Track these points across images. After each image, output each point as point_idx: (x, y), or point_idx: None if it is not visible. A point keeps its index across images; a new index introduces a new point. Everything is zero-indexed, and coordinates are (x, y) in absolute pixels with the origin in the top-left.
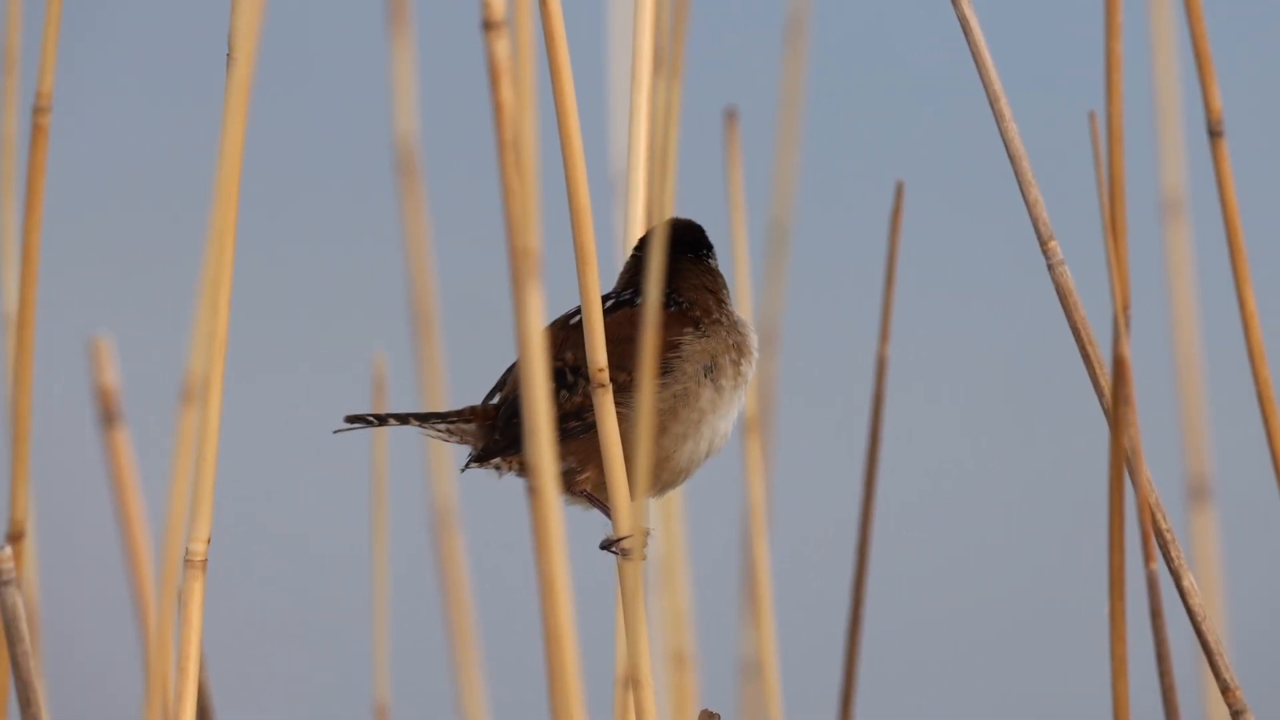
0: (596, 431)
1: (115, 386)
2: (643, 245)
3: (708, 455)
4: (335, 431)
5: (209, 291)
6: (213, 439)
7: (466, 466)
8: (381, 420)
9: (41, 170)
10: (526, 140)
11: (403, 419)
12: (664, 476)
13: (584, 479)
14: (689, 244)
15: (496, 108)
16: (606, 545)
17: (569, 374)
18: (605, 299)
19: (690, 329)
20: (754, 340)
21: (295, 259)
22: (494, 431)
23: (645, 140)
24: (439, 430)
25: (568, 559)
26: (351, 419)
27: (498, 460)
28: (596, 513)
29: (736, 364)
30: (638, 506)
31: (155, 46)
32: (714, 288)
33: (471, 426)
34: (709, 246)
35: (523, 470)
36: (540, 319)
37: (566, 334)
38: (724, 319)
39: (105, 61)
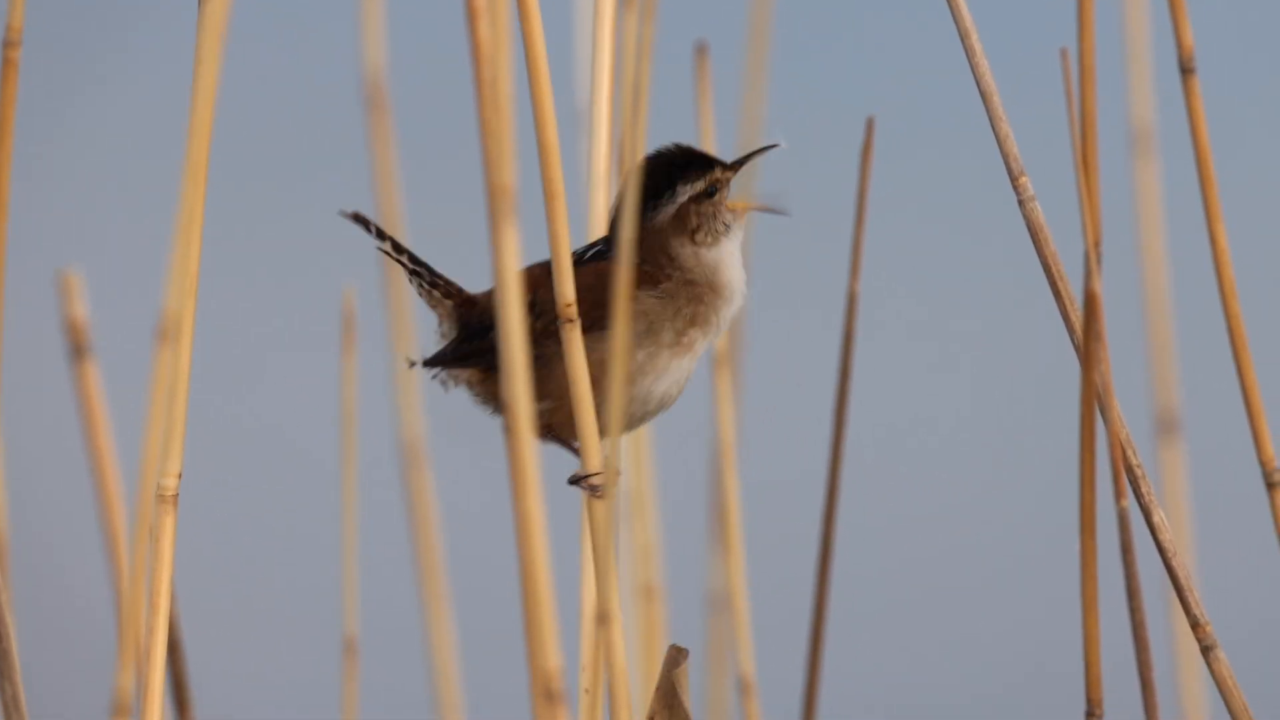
0: (552, 369)
1: (85, 320)
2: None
3: (644, 415)
4: (340, 214)
5: (182, 230)
6: (184, 375)
7: (420, 364)
8: (381, 235)
9: (11, 104)
10: (502, 78)
11: (400, 249)
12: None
13: (544, 420)
14: (660, 180)
15: (474, 46)
16: (575, 480)
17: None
18: (590, 247)
19: (647, 287)
20: (719, 306)
21: (265, 194)
22: (455, 333)
23: (609, 75)
24: (420, 284)
25: (543, 497)
26: (358, 216)
27: (443, 375)
28: (565, 449)
29: (680, 332)
30: (611, 445)
31: None
32: (665, 244)
33: (448, 305)
34: (692, 177)
35: (470, 389)
36: (516, 256)
37: (535, 275)
38: (697, 272)
39: None
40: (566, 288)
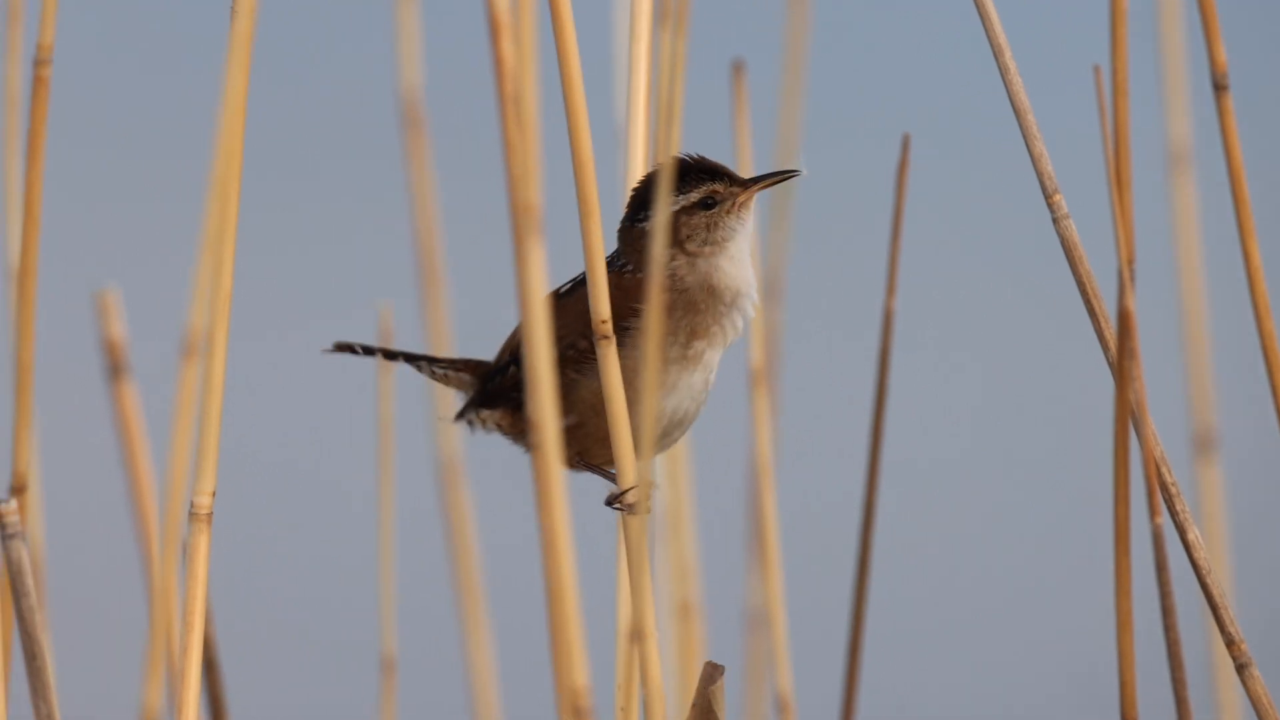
0: (574, 395)
1: (122, 339)
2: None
3: (662, 432)
4: (324, 351)
5: (213, 246)
6: (217, 392)
7: (454, 418)
8: (369, 351)
9: (43, 122)
10: (528, 95)
11: (391, 355)
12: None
13: (574, 451)
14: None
15: (497, 63)
16: (611, 501)
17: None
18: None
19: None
20: (723, 313)
21: (302, 212)
22: (480, 384)
23: (645, 92)
24: (432, 373)
25: (570, 512)
26: (341, 346)
27: (470, 416)
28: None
29: (686, 345)
30: (644, 461)
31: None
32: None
33: (465, 377)
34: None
35: (500, 430)
36: (542, 274)
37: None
38: (690, 280)
39: (108, 13)
40: (602, 304)
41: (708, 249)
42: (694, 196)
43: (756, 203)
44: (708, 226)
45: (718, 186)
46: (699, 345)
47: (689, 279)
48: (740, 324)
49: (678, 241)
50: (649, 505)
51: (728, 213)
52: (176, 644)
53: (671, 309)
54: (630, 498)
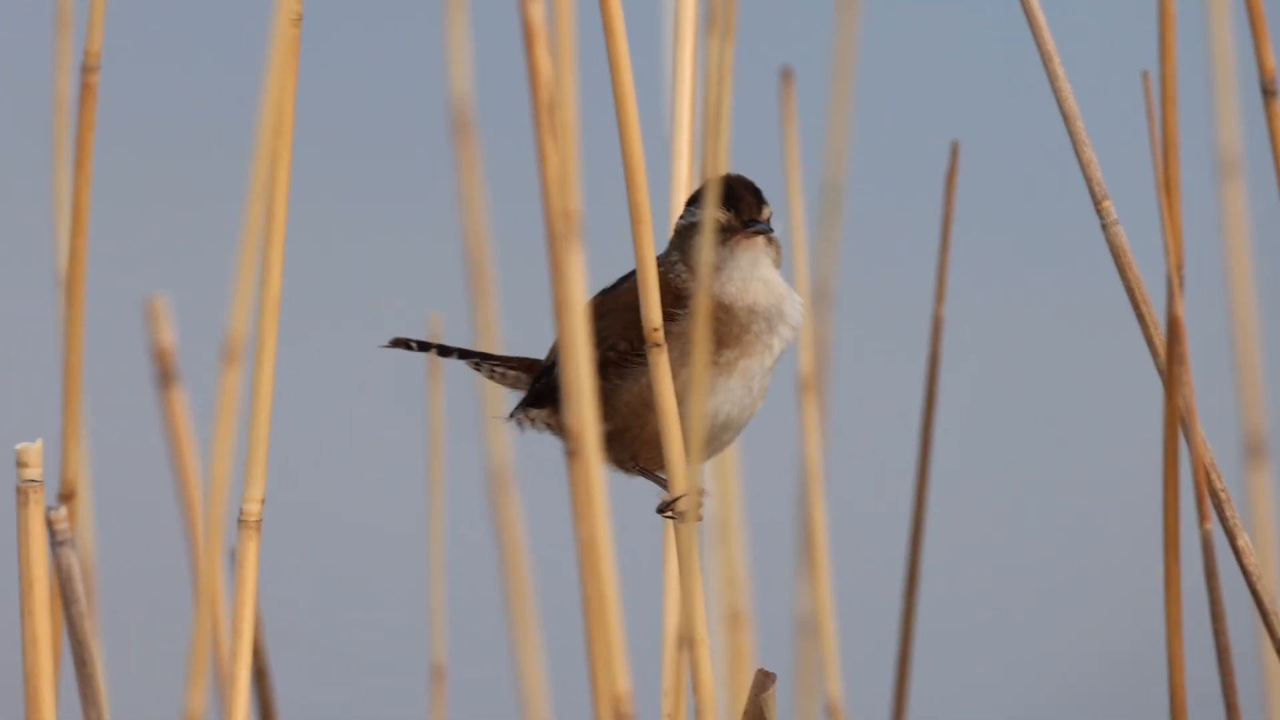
0: (616, 400)
1: (171, 345)
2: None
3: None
4: (380, 347)
5: (259, 252)
6: (266, 398)
7: (506, 418)
8: (424, 346)
9: (91, 129)
10: (565, 103)
11: (446, 351)
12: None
13: (616, 455)
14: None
15: (532, 70)
16: (662, 509)
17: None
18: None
19: (679, 308)
20: (752, 322)
21: (351, 219)
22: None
23: (689, 100)
24: (486, 370)
25: (613, 518)
26: (397, 341)
27: (519, 415)
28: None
29: (715, 354)
30: (693, 467)
31: (208, 4)
32: (685, 248)
33: (519, 375)
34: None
35: (549, 428)
36: (581, 281)
37: (595, 304)
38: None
39: (156, 20)
40: (654, 312)
41: (720, 271)
42: (694, 217)
43: (802, 216)
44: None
45: (726, 216)
46: (728, 354)
47: (692, 288)
48: (771, 340)
49: (684, 255)
50: (699, 513)
51: (722, 244)
52: (225, 651)
53: (694, 319)
54: (681, 505)
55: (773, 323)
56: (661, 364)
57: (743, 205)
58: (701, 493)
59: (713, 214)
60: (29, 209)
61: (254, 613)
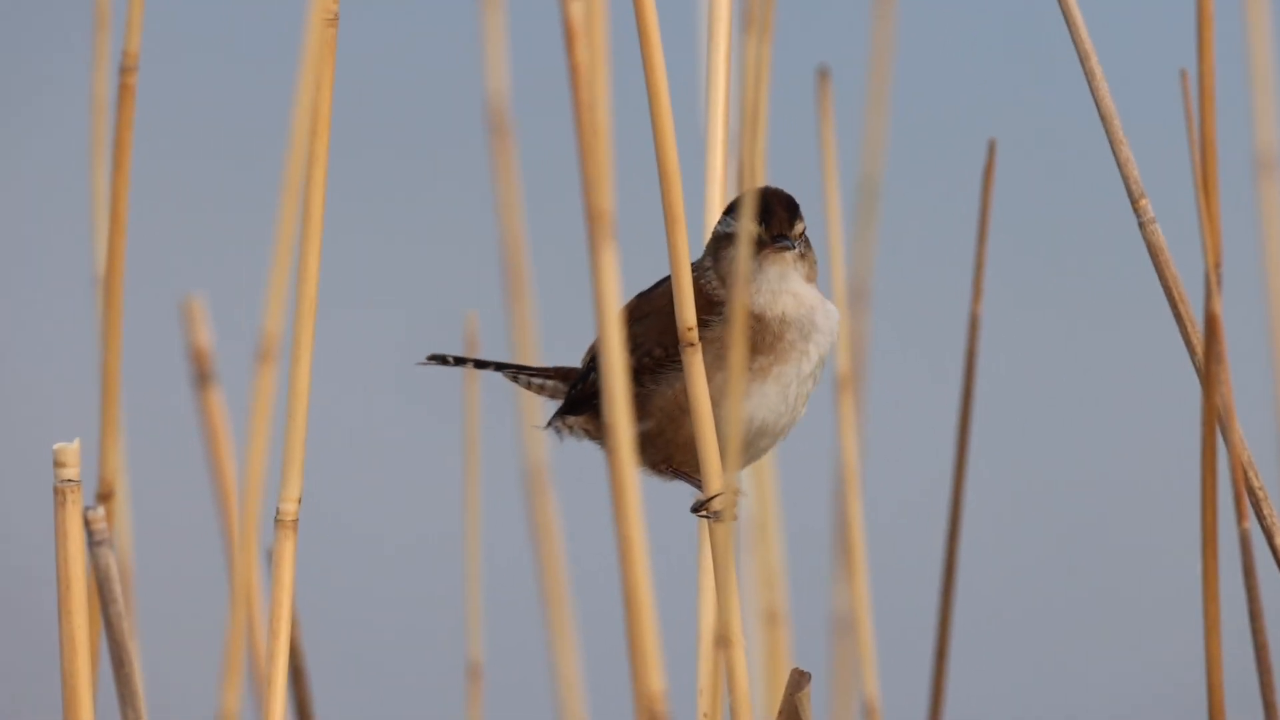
0: (651, 403)
1: (209, 347)
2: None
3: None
4: (417, 364)
5: (295, 252)
6: (303, 398)
7: (544, 427)
8: (460, 361)
9: (129, 129)
10: (601, 101)
11: (482, 364)
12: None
13: (651, 458)
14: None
15: (572, 69)
16: (697, 508)
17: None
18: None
19: (714, 313)
20: (786, 330)
21: (388, 218)
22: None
23: (724, 100)
24: (529, 382)
25: (649, 518)
26: (433, 357)
27: (557, 423)
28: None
29: (750, 358)
30: (730, 468)
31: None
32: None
33: (556, 384)
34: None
35: (586, 434)
36: (615, 280)
37: (631, 309)
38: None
39: (194, 20)
40: (688, 312)
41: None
42: (734, 230)
43: (839, 214)
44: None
45: (758, 229)
46: (762, 360)
47: (723, 296)
48: (807, 347)
49: (716, 262)
50: (735, 513)
51: (753, 256)
52: (262, 650)
53: (727, 326)
54: (716, 504)
55: (806, 331)
56: (696, 364)
57: (774, 220)
58: (737, 492)
59: (748, 226)
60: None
61: (290, 612)
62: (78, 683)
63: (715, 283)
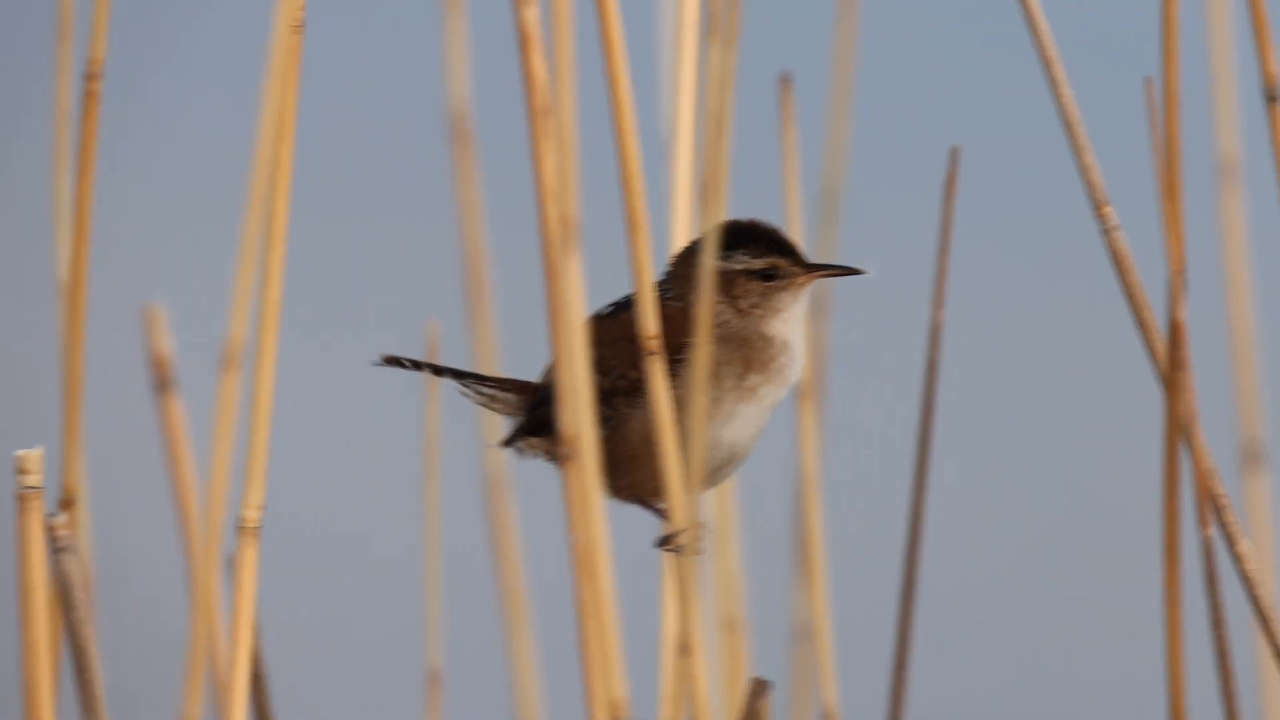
0: (625, 430)
1: (169, 353)
2: (691, 246)
3: (718, 465)
4: (373, 364)
5: (258, 259)
6: (265, 406)
7: (501, 444)
8: (418, 365)
9: (93, 136)
10: (566, 108)
11: (439, 370)
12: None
13: (625, 484)
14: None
15: (527, 76)
16: (662, 543)
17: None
18: (624, 300)
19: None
20: (777, 357)
21: (349, 226)
22: (526, 412)
23: (690, 107)
24: (476, 392)
25: (611, 523)
26: (390, 359)
27: (519, 444)
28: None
29: (741, 376)
30: (691, 499)
31: (208, 11)
32: (734, 291)
33: (511, 397)
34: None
35: (547, 456)
36: (579, 288)
37: (593, 330)
38: (738, 326)
39: (157, 27)
40: (650, 321)
41: (758, 311)
42: (757, 264)
43: (801, 221)
44: (762, 294)
45: (782, 262)
46: (754, 379)
47: (735, 325)
48: (791, 374)
49: (731, 297)
50: (699, 547)
51: (783, 289)
52: (223, 657)
53: (725, 342)
54: (681, 540)
55: (794, 358)
56: (658, 374)
57: (793, 251)
58: (701, 526)
59: (769, 261)
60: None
61: (252, 619)
62: (39, 689)
63: (730, 313)
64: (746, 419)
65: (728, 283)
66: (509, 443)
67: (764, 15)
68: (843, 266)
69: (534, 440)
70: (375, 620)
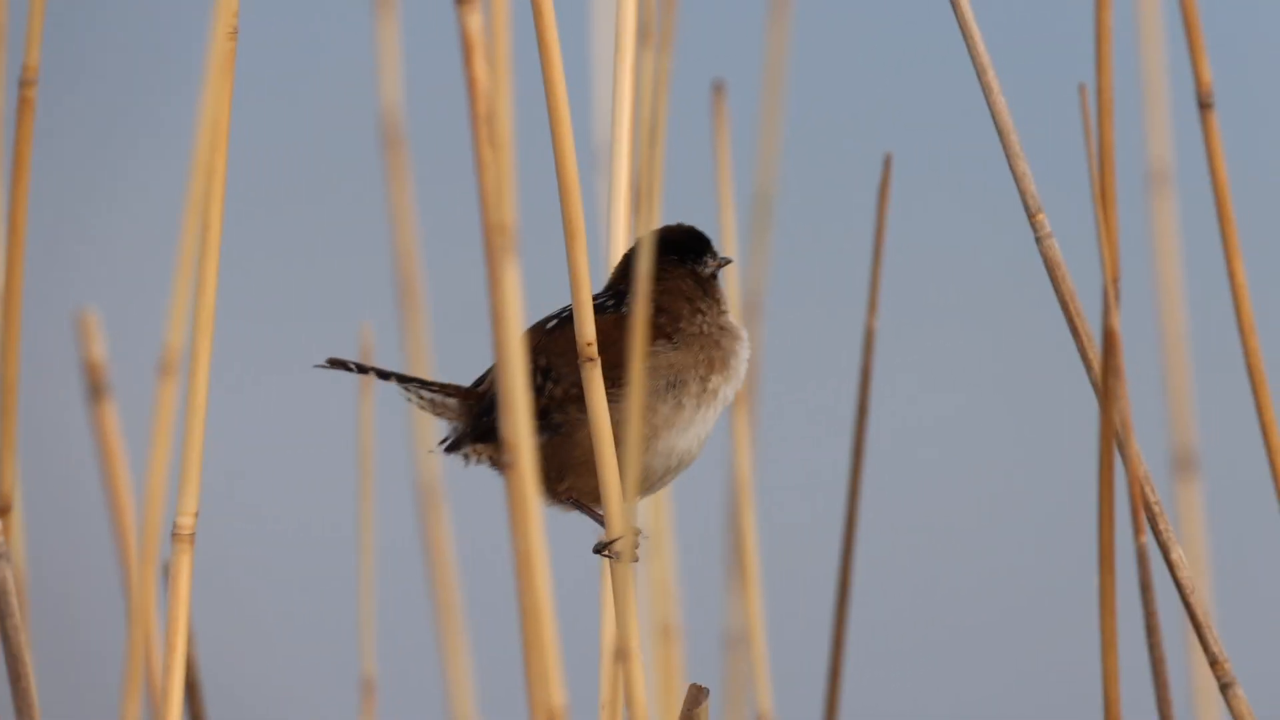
0: (572, 438)
1: (103, 360)
2: (631, 252)
3: (666, 472)
4: (315, 366)
5: (193, 265)
6: (200, 412)
7: (440, 448)
8: (362, 369)
9: (28, 143)
10: (502, 114)
11: (384, 374)
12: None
13: (565, 488)
14: (676, 249)
15: (470, 82)
16: (599, 549)
17: (539, 375)
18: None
19: (663, 340)
20: (738, 352)
21: (282, 231)
22: (469, 418)
23: (629, 113)
24: (418, 396)
25: (548, 529)
26: (334, 361)
27: (466, 449)
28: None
29: (704, 379)
30: (629, 506)
31: (142, 19)
32: (692, 295)
33: (453, 403)
34: (702, 252)
35: (493, 463)
36: (517, 295)
37: (541, 338)
38: (702, 329)
39: (91, 33)
40: (587, 327)
41: (723, 307)
42: (724, 263)
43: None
44: (721, 293)
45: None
46: (717, 380)
47: (709, 325)
48: (743, 366)
49: (712, 299)
50: (636, 554)
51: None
52: (158, 664)
53: (693, 344)
54: (618, 546)
55: (745, 344)
56: (595, 380)
57: (707, 242)
58: (638, 533)
59: (725, 257)
60: None
61: (187, 626)
62: None
63: (706, 316)
64: (705, 424)
65: (707, 286)
66: (453, 448)
67: (697, 22)
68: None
69: (480, 446)
70: (310, 627)
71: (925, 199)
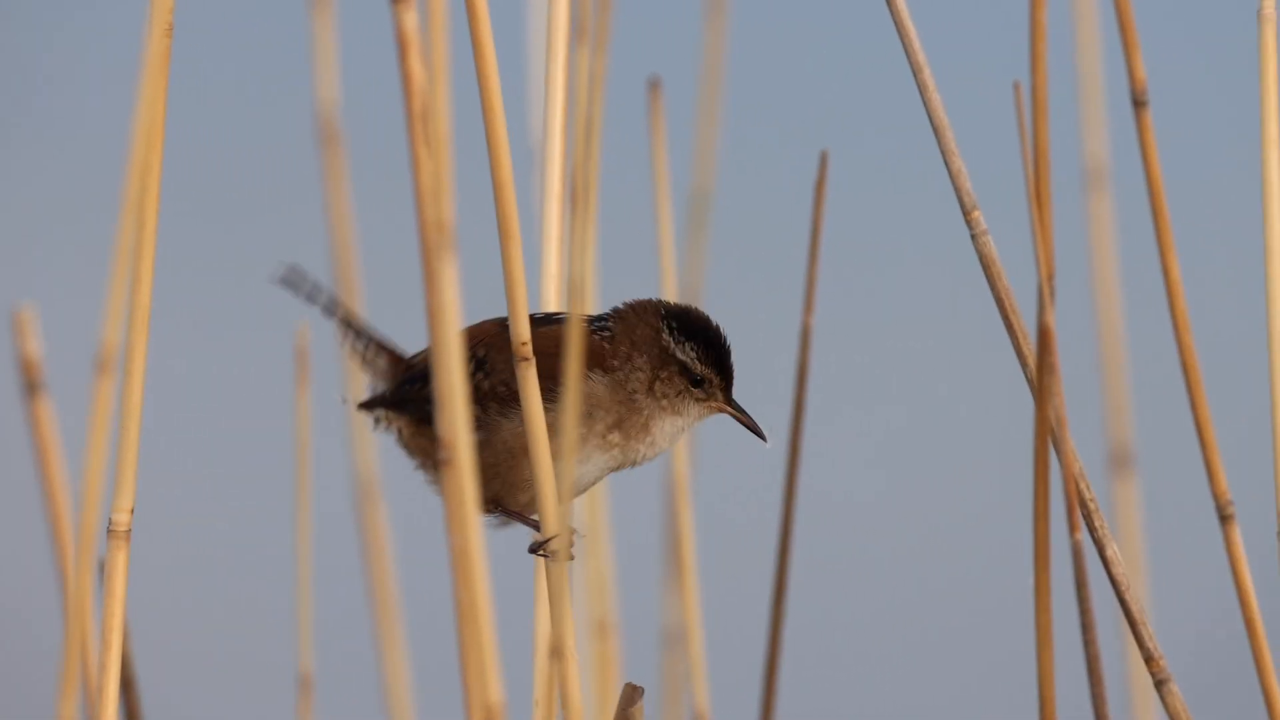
0: (496, 435)
1: (37, 356)
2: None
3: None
4: (270, 282)
5: (129, 262)
6: (136, 409)
7: (352, 401)
8: (314, 295)
9: None
10: (439, 112)
11: (331, 309)
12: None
13: (489, 497)
14: (689, 331)
15: (405, 80)
16: (534, 549)
17: (473, 364)
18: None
19: (599, 371)
20: (656, 440)
21: (219, 229)
22: (392, 383)
23: (562, 111)
24: (354, 343)
25: (485, 528)
26: (288, 279)
27: (380, 413)
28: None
29: (609, 428)
30: (564, 507)
31: (78, 15)
32: (661, 364)
33: (382, 363)
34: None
35: (399, 436)
36: (455, 292)
37: (493, 332)
38: (642, 389)
39: (27, 28)
40: (522, 327)
41: (664, 402)
42: (696, 367)
43: (670, 225)
44: (679, 393)
45: (716, 381)
46: (615, 437)
47: (638, 394)
48: (638, 461)
49: (654, 371)
50: (571, 553)
51: (697, 401)
52: (94, 661)
53: (615, 394)
54: (553, 545)
55: (648, 455)
56: (530, 380)
57: (730, 379)
58: (573, 532)
59: (706, 372)
60: None
61: (123, 623)
62: None
63: (639, 384)
64: (595, 465)
65: (662, 360)
66: (367, 406)
67: (633, 20)
68: (754, 423)
69: (393, 415)
70: (247, 623)
71: (862, 196)
